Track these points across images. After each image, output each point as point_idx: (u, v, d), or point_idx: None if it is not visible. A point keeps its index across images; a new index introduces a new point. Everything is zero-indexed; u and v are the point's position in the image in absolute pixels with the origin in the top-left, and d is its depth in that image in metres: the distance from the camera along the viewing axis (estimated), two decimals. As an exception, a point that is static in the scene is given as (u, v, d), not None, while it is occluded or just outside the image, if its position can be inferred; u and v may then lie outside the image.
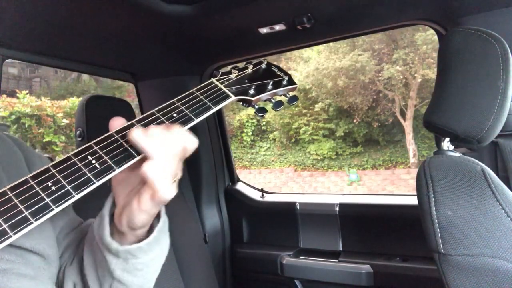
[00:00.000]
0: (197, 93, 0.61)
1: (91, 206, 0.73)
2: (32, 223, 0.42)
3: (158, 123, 0.55)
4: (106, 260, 0.56)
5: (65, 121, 7.62)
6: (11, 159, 0.62)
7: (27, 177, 0.45)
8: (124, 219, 0.53)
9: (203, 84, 0.63)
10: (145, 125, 0.54)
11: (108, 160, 0.49)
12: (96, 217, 0.60)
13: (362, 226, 1.63)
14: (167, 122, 0.55)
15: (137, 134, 0.49)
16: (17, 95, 7.50)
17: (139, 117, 0.55)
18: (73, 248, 0.67)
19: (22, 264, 0.53)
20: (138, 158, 0.51)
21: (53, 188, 0.45)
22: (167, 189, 0.48)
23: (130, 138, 0.49)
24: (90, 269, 0.60)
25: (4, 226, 0.41)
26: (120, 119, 0.54)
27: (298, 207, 1.73)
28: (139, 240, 0.57)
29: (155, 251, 0.59)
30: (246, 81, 0.68)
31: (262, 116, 0.69)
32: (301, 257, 1.68)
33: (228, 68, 0.72)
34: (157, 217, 0.58)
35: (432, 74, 10.00)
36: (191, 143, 0.52)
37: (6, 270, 0.51)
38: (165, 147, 0.49)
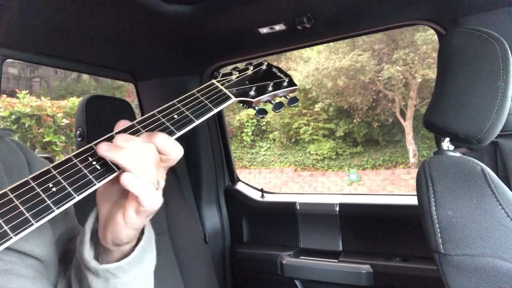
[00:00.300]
0: (197, 94, 0.61)
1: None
2: (33, 224, 0.42)
3: (159, 125, 0.55)
4: (87, 278, 0.54)
5: (65, 121, 7.61)
6: (14, 163, 0.63)
7: (27, 178, 0.45)
8: (109, 235, 0.50)
9: (203, 85, 0.63)
10: (146, 126, 0.54)
11: (109, 162, 0.49)
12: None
13: (362, 226, 1.63)
14: (168, 124, 0.55)
15: (103, 149, 0.45)
16: (17, 95, 7.50)
17: (139, 118, 0.55)
18: (69, 258, 0.65)
19: (22, 266, 0.53)
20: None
21: (54, 189, 0.45)
22: (151, 200, 0.46)
23: (100, 154, 0.46)
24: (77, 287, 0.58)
25: (5, 227, 0.41)
26: (125, 121, 0.52)
27: (298, 207, 1.73)
28: (125, 256, 0.54)
29: (137, 270, 0.55)
30: (247, 82, 0.68)
31: (263, 117, 0.69)
32: (301, 257, 1.68)
33: (229, 69, 0.72)
34: (142, 232, 0.55)
35: (432, 74, 10.00)
36: (175, 151, 0.49)
37: (6, 271, 0.51)
38: (139, 157, 0.46)
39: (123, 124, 0.52)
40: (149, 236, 0.56)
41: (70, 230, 0.67)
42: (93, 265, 0.53)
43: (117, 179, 0.46)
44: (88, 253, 0.53)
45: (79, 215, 0.74)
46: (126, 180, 0.44)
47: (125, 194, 0.49)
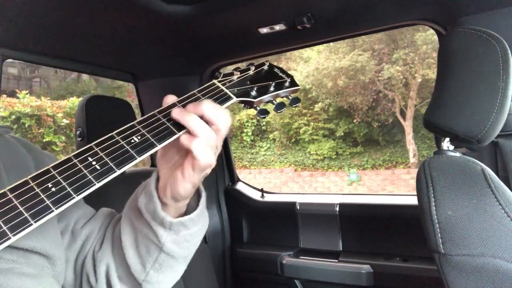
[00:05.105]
0: (198, 95, 0.61)
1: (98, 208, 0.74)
2: (32, 224, 0.42)
3: (159, 125, 0.55)
4: (157, 234, 0.59)
5: (65, 121, 7.61)
6: (15, 161, 0.62)
7: (27, 178, 0.45)
8: (168, 190, 0.57)
9: (204, 86, 0.63)
10: (147, 126, 0.54)
11: (109, 162, 0.49)
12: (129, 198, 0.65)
13: (362, 226, 1.63)
14: (168, 124, 0.55)
15: (176, 112, 0.54)
16: (17, 95, 7.50)
17: (139, 118, 0.55)
18: (97, 233, 0.68)
19: (24, 264, 0.53)
20: (138, 159, 0.51)
21: (53, 189, 0.45)
22: (206, 157, 0.53)
23: (172, 116, 0.54)
24: (130, 248, 0.62)
25: (4, 227, 0.41)
26: (172, 96, 0.59)
27: (298, 207, 1.73)
28: (180, 215, 0.61)
29: (202, 222, 0.64)
30: (248, 82, 0.68)
31: (264, 117, 0.69)
32: (301, 257, 1.68)
33: (229, 69, 0.71)
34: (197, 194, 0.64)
35: (432, 74, 10.00)
36: (222, 118, 0.56)
37: (7, 270, 0.51)
38: (204, 124, 0.53)
39: (171, 99, 0.59)
40: (204, 194, 0.65)
41: (86, 214, 0.70)
42: (168, 219, 0.58)
43: (177, 140, 0.54)
44: (161, 210, 0.58)
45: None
46: (185, 141, 0.53)
47: (181, 155, 0.58)
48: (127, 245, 0.62)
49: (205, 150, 0.52)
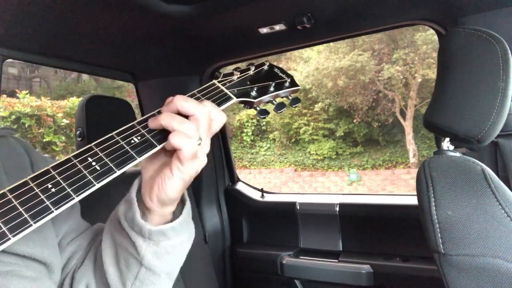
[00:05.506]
0: (198, 95, 0.61)
1: (99, 209, 0.73)
2: (31, 225, 0.42)
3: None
4: (136, 246, 0.56)
5: (65, 121, 7.61)
6: (15, 162, 0.62)
7: (27, 179, 0.45)
8: (155, 192, 0.54)
9: (204, 86, 0.63)
10: (147, 126, 0.54)
11: (109, 162, 0.49)
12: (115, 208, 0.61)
13: (362, 226, 1.63)
14: None
15: (151, 121, 0.53)
16: (17, 95, 7.50)
17: (139, 118, 0.55)
18: (82, 251, 0.65)
19: (24, 267, 0.53)
20: (138, 160, 0.51)
21: (53, 190, 0.44)
22: (187, 146, 0.50)
23: (149, 126, 0.53)
24: (110, 264, 0.58)
25: (4, 228, 0.40)
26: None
27: (298, 207, 1.73)
28: (166, 222, 0.57)
29: (185, 233, 0.60)
30: (248, 82, 0.68)
31: (264, 117, 0.69)
32: (301, 257, 1.68)
33: (229, 69, 0.71)
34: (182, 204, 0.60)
35: (432, 74, 10.00)
36: (217, 117, 0.55)
37: (7, 272, 0.51)
38: (178, 119, 0.52)
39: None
40: (189, 203, 0.61)
41: (76, 228, 0.67)
42: (148, 228, 0.55)
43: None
44: (140, 217, 0.55)
45: (86, 218, 0.74)
46: (170, 136, 0.51)
47: (169, 157, 0.55)
48: (108, 262, 0.58)
49: (183, 140, 0.50)
